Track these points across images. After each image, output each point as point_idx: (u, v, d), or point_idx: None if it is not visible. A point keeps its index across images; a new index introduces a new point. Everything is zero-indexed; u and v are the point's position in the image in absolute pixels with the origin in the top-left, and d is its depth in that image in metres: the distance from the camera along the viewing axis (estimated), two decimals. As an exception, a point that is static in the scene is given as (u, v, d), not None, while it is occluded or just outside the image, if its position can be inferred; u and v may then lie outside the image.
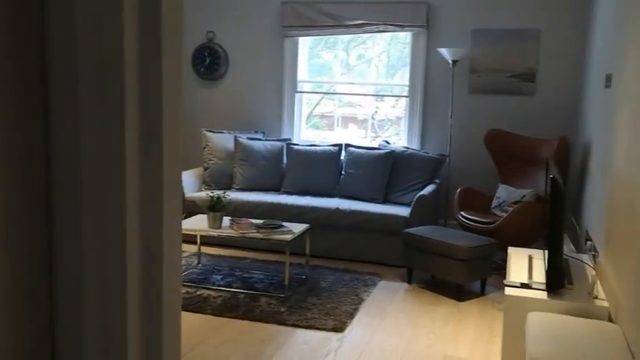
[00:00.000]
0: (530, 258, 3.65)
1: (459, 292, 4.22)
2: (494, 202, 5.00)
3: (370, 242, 4.97)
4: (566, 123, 5.29)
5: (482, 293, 4.36)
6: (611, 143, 3.42)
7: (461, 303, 4.17)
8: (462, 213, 4.92)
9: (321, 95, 6.27)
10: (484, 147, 5.19)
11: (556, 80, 5.32)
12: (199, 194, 5.40)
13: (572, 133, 5.21)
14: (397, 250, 4.80)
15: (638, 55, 2.90)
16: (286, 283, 4.18)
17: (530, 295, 2.99)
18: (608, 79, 3.74)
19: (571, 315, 2.88)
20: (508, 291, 3.07)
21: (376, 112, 6.16)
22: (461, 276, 4.16)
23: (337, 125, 6.27)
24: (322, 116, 6.30)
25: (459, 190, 5.11)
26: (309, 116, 6.35)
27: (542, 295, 2.99)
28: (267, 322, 3.73)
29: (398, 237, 4.73)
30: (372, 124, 6.14)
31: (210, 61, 6.20)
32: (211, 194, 4.34)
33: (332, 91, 6.24)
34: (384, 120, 6.11)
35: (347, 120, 6.34)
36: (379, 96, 6.10)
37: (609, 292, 3.04)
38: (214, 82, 6.28)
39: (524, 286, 3.11)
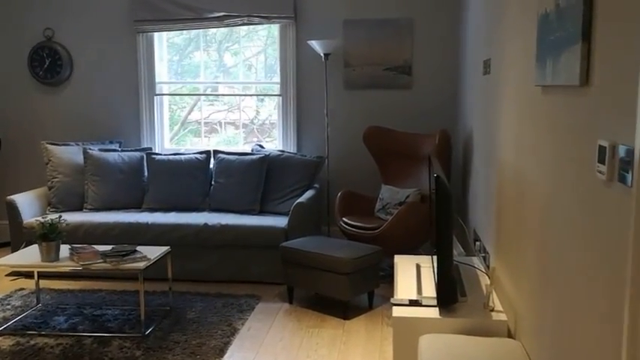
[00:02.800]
0: (419, 267, 3.26)
1: (344, 310, 3.76)
2: (378, 205, 4.62)
3: (246, 260, 4.40)
4: (445, 115, 5.04)
5: (370, 307, 3.94)
6: (495, 132, 3.11)
7: (347, 322, 3.71)
8: (344, 219, 4.49)
9: (196, 99, 5.59)
10: (364, 146, 4.81)
11: (432, 71, 5.06)
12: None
13: (453, 126, 4.97)
14: (277, 265, 4.27)
15: (518, 33, 2.58)
16: (142, 318, 3.50)
17: (420, 315, 2.57)
18: (487, 65, 3.45)
19: (467, 334, 2.49)
20: (396, 311, 2.63)
21: (256, 115, 5.60)
22: (345, 291, 3.70)
23: (220, 131, 5.64)
24: (198, 122, 5.62)
25: (339, 194, 4.68)
26: (183, 123, 5.65)
27: (434, 313, 2.58)
28: (116, 372, 3.04)
29: (277, 251, 4.20)
30: (253, 129, 5.57)
31: (50, 63, 5.32)
32: (42, 220, 3.55)
33: (200, 93, 5.58)
34: (265, 124, 5.56)
35: (228, 125, 5.72)
36: (247, 95, 5.54)
37: (506, 301, 2.69)
38: (56, 87, 5.40)
39: (413, 303, 2.69)
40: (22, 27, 5.34)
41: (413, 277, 3.12)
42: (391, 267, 4.25)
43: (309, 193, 4.65)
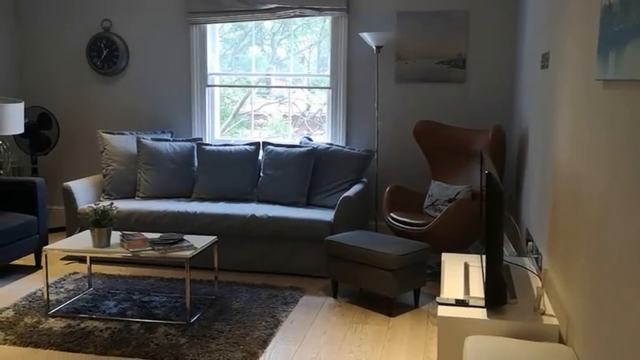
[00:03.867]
0: (467, 266, 3.17)
1: (389, 306, 3.70)
2: (427, 201, 4.52)
3: (291, 252, 4.40)
4: (500, 111, 4.89)
5: (416, 305, 3.86)
6: (551, 129, 2.98)
7: (392, 319, 3.65)
8: (392, 214, 4.41)
9: (249, 91, 5.62)
10: (414, 140, 4.72)
11: (488, 65, 4.91)
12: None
13: (507, 122, 4.81)
14: (322, 259, 4.25)
15: (579, 25, 2.45)
16: (188, 307, 3.54)
17: (467, 316, 2.49)
18: (545, 59, 3.30)
19: (515, 337, 2.40)
20: (442, 311, 2.56)
21: (308, 108, 5.58)
22: (390, 288, 3.64)
23: (272, 122, 5.66)
24: (249, 114, 5.65)
25: (388, 189, 4.60)
26: (235, 115, 5.70)
27: (482, 314, 2.50)
28: (161, 358, 3.09)
29: (322, 244, 4.17)
30: (303, 121, 5.56)
31: (107, 54, 5.45)
32: (95, 207, 3.64)
33: (251, 85, 5.61)
34: (316, 116, 5.53)
35: (278, 118, 5.71)
36: (297, 87, 5.53)
37: (558, 305, 2.57)
38: (113, 77, 5.54)
39: (459, 303, 2.61)
40: (82, 19, 5.49)
41: (460, 276, 3.03)
42: (438, 265, 4.16)
43: (356, 187, 4.60)
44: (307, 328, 3.50)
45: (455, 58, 4.93)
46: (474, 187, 4.33)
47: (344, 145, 5.10)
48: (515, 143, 4.50)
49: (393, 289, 3.64)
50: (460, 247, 4.22)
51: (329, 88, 5.20)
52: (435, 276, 4.21)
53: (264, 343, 3.27)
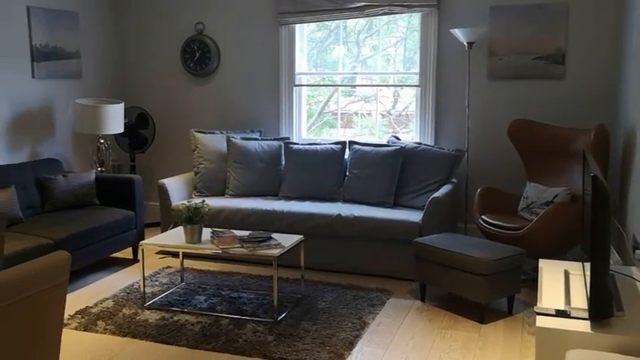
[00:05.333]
0: (567, 274, 2.97)
1: (481, 313, 3.56)
2: (522, 204, 4.31)
3: (377, 253, 4.33)
4: (603, 109, 4.57)
5: (509, 312, 3.69)
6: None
7: (484, 326, 3.50)
8: (484, 217, 4.24)
9: (333, 90, 5.62)
10: (508, 140, 4.51)
11: (589, 60, 4.61)
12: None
13: (611, 121, 4.49)
14: (409, 260, 4.15)
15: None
16: (275, 304, 3.57)
17: (568, 328, 2.33)
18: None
19: (622, 353, 2.21)
20: (541, 321, 2.40)
21: (393, 106, 5.49)
22: (482, 294, 3.50)
23: (355, 122, 5.63)
24: (334, 113, 5.65)
25: (479, 190, 4.43)
26: (320, 113, 5.72)
27: (585, 326, 2.33)
28: (249, 355, 3.13)
29: (410, 246, 4.08)
30: (389, 120, 5.48)
31: (200, 55, 5.63)
32: (188, 204, 3.75)
33: (337, 84, 5.60)
34: (402, 115, 5.44)
35: (364, 117, 5.67)
36: (381, 86, 5.44)
37: (673, 321, 2.35)
38: (205, 78, 5.70)
39: (560, 313, 2.45)
40: (177, 22, 5.70)
41: (560, 284, 2.85)
42: (534, 271, 3.96)
43: (445, 188, 4.46)
44: (394, 331, 3.43)
45: (553, 53, 4.67)
46: (574, 189, 4.07)
47: (433, 144, 4.97)
48: (620, 143, 4.19)
49: (486, 294, 3.49)
50: (558, 253, 3.98)
51: (417, 86, 5.09)
52: (530, 282, 4.01)
53: (350, 345, 3.23)
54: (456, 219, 4.78)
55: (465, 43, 4.61)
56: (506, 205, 4.41)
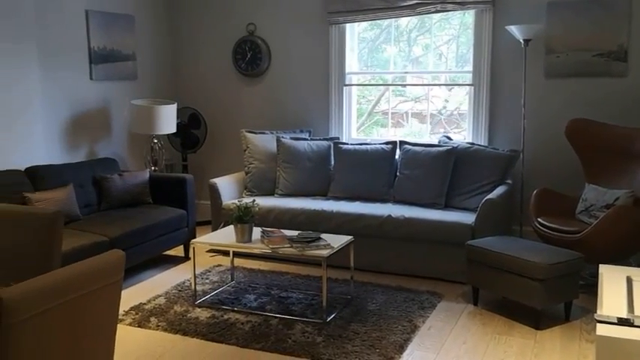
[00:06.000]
0: (630, 280, 2.83)
1: (536, 318, 3.44)
2: (580, 206, 4.15)
3: (428, 255, 4.26)
4: (669, 108, 4.35)
5: (566, 319, 3.55)
6: None
7: (539, 332, 3.39)
8: (540, 220, 4.10)
9: (383, 89, 5.57)
10: (565, 140, 4.35)
11: (655, 56, 4.39)
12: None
13: (678, 120, 4.27)
14: (461, 263, 4.06)
15: None
16: (324, 305, 3.55)
17: (632, 337, 2.21)
18: None
19: (694, 366, 2.08)
20: (601, 329, 2.29)
21: (445, 106, 5.39)
22: (538, 299, 3.38)
23: (406, 121, 5.55)
24: (385, 113, 5.60)
25: (535, 192, 4.29)
26: (370, 113, 5.67)
27: (651, 336, 2.20)
28: (298, 355, 3.13)
29: (462, 248, 3.99)
30: (440, 119, 5.38)
31: (251, 56, 5.67)
32: (238, 203, 3.78)
33: (387, 83, 5.54)
34: (453, 115, 5.33)
35: (415, 116, 5.59)
36: (433, 85, 5.34)
37: None
38: (255, 78, 5.75)
39: (623, 322, 2.33)
40: (229, 23, 5.76)
41: (622, 291, 2.71)
42: (594, 276, 3.80)
43: (500, 190, 4.34)
44: (446, 335, 3.35)
45: (615, 50, 4.47)
46: (637, 191, 3.89)
47: (486, 144, 4.85)
48: (688, 143, 3.98)
49: (542, 300, 3.37)
50: (619, 257, 3.82)
51: (471, 84, 4.97)
52: (588, 288, 3.85)
53: (400, 349, 3.18)
54: (510, 221, 4.64)
55: (521, 40, 4.47)
56: (563, 207, 4.25)
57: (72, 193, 4.24)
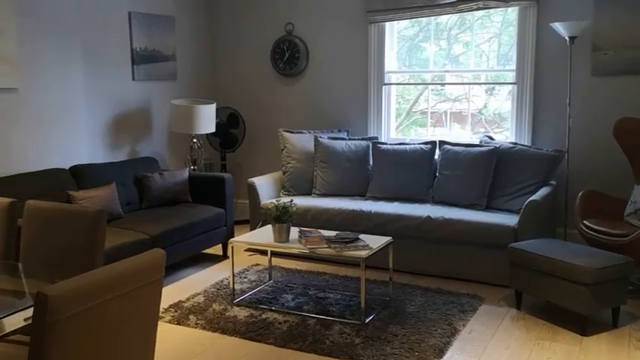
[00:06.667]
0: (685, 287, 2.71)
1: (582, 324, 3.33)
2: (629, 209, 4.00)
3: (468, 257, 4.17)
4: None
5: (614, 325, 3.42)
6: None
7: (585, 338, 3.28)
8: (586, 222, 3.97)
9: (422, 89, 5.50)
10: (613, 140, 4.20)
11: None
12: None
13: None
14: (503, 266, 3.97)
15: None
16: (362, 306, 3.51)
17: (689, 347, 2.11)
18: None
19: None
20: (655, 338, 2.19)
21: (485, 106, 5.28)
22: (584, 304, 3.27)
23: (445, 121, 5.46)
24: (423, 112, 5.52)
25: (581, 193, 4.16)
26: (408, 113, 5.60)
27: None
28: (336, 356, 3.10)
29: (504, 251, 3.90)
30: (480, 119, 5.28)
31: (289, 55, 5.68)
32: (276, 203, 3.78)
33: (428, 82, 5.46)
34: (493, 115, 5.22)
35: (453, 116, 5.50)
36: (474, 84, 5.24)
37: None
38: (294, 77, 5.75)
39: (678, 330, 2.22)
40: (267, 23, 5.78)
41: (676, 298, 2.60)
42: (643, 282, 3.66)
43: (543, 191, 4.22)
44: (488, 340, 3.27)
45: (666, 45, 4.30)
46: (690, 194, 3.73)
47: (530, 144, 4.73)
48: None
49: (588, 305, 3.26)
50: (670, 263, 3.66)
51: (513, 83, 4.86)
52: (637, 293, 3.71)
53: (440, 352, 3.12)
54: (554, 224, 4.52)
55: (566, 38, 4.35)
56: (611, 209, 4.11)
57: (114, 191, 4.31)
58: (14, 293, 2.24)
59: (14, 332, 1.96)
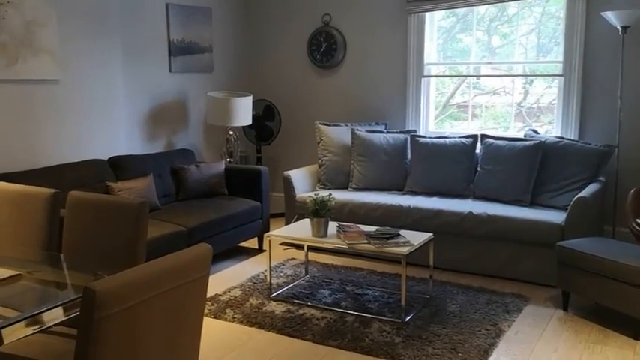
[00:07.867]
0: None
1: (635, 328, 3.17)
2: (684, 207, 3.81)
3: (512, 255, 4.04)
4: None
5: (669, 329, 3.26)
6: None
7: (638, 342, 3.12)
8: (638, 220, 3.80)
9: (458, 81, 5.35)
10: (667, 135, 4.01)
11: None
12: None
13: None
14: (549, 265, 3.83)
15: None
16: (403, 304, 3.42)
17: None
18: None
19: None
20: None
21: (524, 98, 5.11)
22: (637, 306, 3.11)
23: (480, 114, 5.32)
24: (459, 106, 5.38)
25: (632, 190, 3.97)
26: (445, 106, 5.47)
27: None
28: (376, 355, 3.01)
29: (550, 249, 3.76)
30: (520, 112, 5.11)
31: (326, 47, 5.59)
32: (315, 197, 3.70)
33: (467, 74, 5.31)
34: (532, 107, 5.04)
35: (494, 108, 5.33)
36: (522, 76, 5.06)
37: None
38: (330, 69, 5.66)
39: None
40: (304, 14, 5.70)
41: None
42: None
43: (592, 187, 4.05)
44: (534, 342, 3.14)
45: None
46: None
47: (577, 138, 4.55)
48: None
49: (642, 308, 3.10)
50: None
51: (560, 75, 4.68)
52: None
53: (485, 354, 3.01)
54: (602, 222, 4.34)
55: (618, 28, 4.15)
56: (664, 208, 3.92)
57: (152, 183, 4.30)
58: (57, 285, 2.22)
59: (56, 324, 1.92)
